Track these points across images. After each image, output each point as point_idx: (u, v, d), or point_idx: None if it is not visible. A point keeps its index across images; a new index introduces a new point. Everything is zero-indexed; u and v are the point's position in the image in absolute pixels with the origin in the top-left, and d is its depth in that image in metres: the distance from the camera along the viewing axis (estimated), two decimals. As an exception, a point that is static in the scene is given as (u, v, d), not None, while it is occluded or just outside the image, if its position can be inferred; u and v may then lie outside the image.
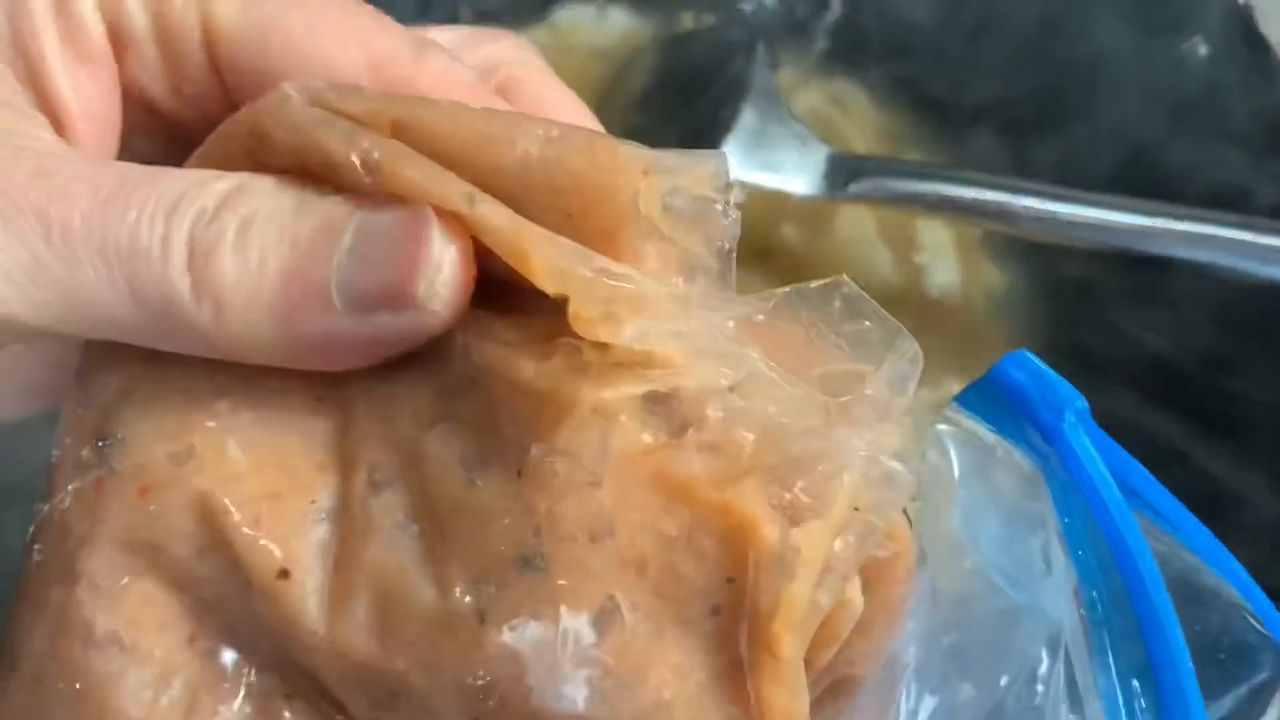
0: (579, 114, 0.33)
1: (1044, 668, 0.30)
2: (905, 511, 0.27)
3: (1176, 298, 0.63)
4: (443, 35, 0.33)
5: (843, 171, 0.65)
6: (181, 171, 0.26)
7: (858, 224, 0.75)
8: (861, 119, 0.81)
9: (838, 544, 0.24)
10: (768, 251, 0.74)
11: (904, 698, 0.28)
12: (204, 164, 0.27)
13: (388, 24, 0.30)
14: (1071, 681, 0.30)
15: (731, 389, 0.25)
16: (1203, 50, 0.64)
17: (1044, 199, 0.59)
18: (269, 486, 0.26)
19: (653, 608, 0.23)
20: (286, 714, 0.27)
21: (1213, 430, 0.61)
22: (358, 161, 0.25)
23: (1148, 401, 0.63)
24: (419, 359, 0.27)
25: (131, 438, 0.27)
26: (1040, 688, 0.29)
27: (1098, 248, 0.58)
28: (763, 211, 0.75)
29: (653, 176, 0.25)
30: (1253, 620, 0.31)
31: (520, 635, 0.23)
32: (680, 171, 0.25)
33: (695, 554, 0.23)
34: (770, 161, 0.65)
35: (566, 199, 0.25)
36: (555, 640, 0.23)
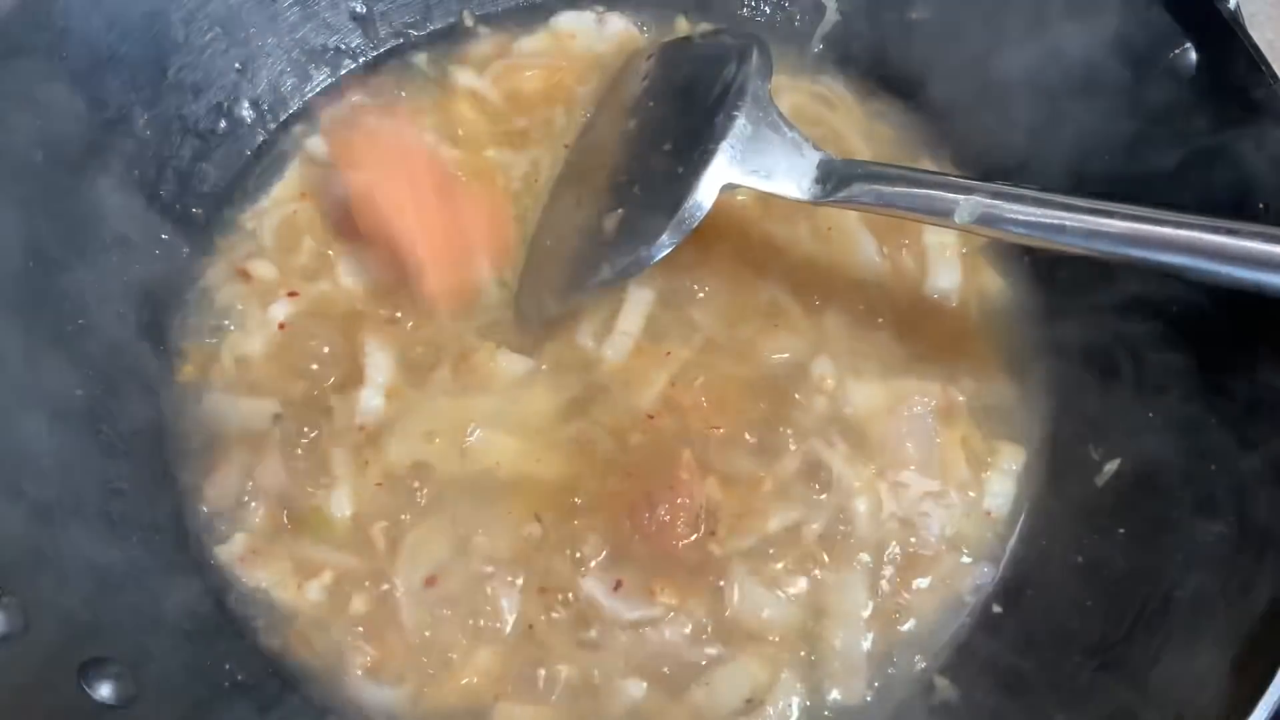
0: None
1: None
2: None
3: (1167, 302, 0.63)
4: None
5: (834, 177, 0.65)
6: None
7: (858, 226, 0.75)
8: (851, 116, 0.82)
9: None
10: (770, 254, 0.75)
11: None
12: None
13: None
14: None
15: None
16: (1193, 57, 0.65)
17: (1033, 204, 0.59)
18: None
19: None
20: None
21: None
22: None
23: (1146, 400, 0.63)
24: None
25: None
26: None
27: (1088, 253, 0.58)
28: (762, 214, 0.76)
29: None
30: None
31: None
32: None
33: None
34: (764, 166, 0.65)
35: None
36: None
